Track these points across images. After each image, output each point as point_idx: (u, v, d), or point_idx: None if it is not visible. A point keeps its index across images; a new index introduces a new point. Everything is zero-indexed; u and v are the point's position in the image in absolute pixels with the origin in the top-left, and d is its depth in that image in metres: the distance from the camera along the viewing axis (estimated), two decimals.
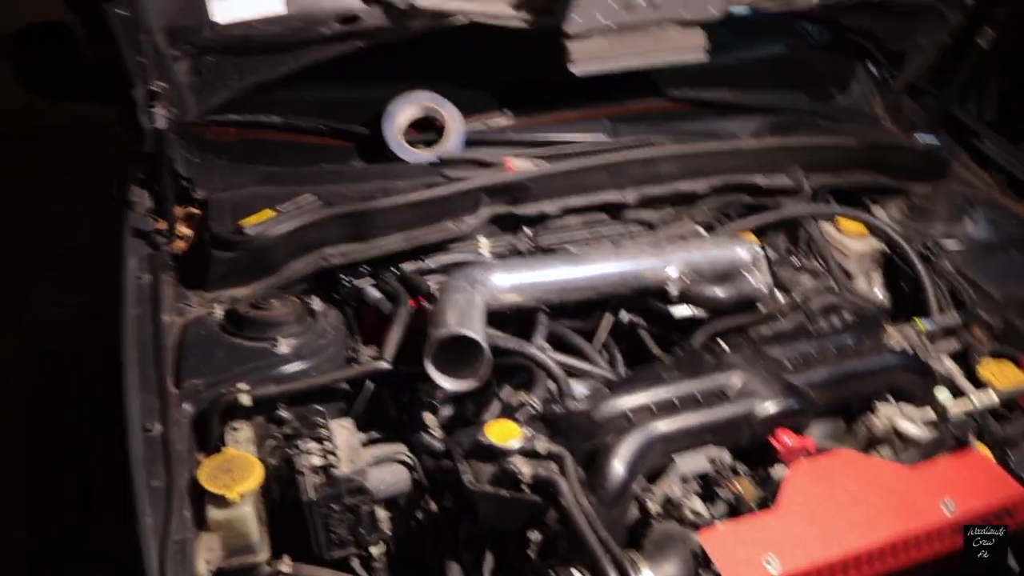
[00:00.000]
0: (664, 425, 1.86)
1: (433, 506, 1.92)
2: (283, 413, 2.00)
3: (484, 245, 2.44)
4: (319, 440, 1.90)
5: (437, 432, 2.02)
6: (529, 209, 2.45)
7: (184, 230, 2.35)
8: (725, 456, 1.89)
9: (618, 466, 1.78)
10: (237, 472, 1.79)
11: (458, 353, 1.90)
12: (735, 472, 1.87)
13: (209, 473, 1.78)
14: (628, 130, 2.68)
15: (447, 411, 2.10)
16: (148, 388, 1.94)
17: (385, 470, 1.96)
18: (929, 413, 2.06)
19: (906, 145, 2.85)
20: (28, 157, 5.78)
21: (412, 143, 2.56)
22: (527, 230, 2.47)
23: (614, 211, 2.55)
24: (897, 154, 2.83)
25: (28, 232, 5.13)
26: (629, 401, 1.90)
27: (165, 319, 2.11)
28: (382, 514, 1.92)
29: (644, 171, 2.52)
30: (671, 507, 1.80)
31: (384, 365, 2.05)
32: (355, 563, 1.92)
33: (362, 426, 2.06)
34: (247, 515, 1.76)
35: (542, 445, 1.78)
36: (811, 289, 2.43)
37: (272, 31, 2.23)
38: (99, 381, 2.18)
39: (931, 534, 1.73)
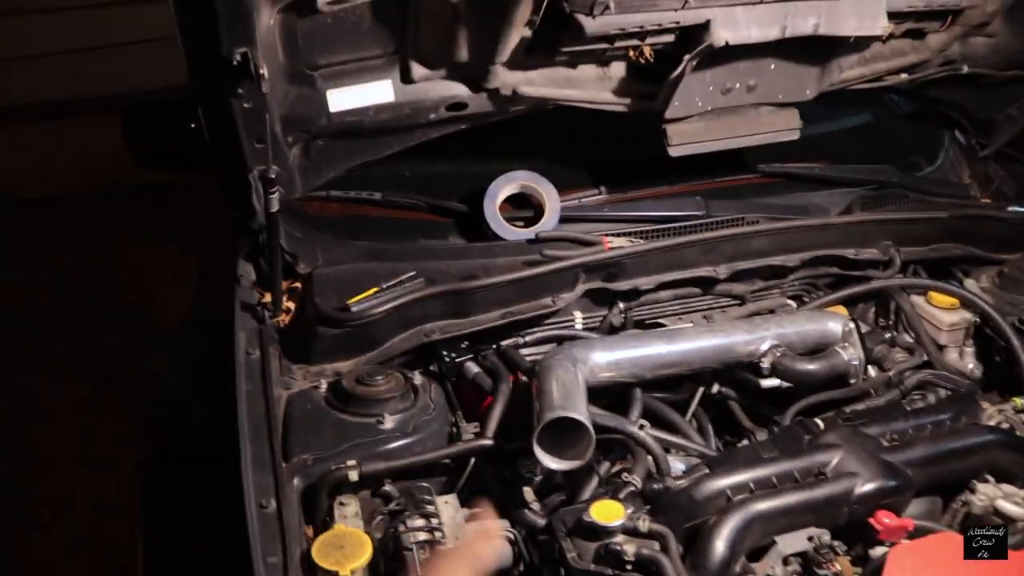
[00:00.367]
0: (764, 504, 1.88)
1: None
2: (389, 488, 2.05)
3: (578, 320, 2.50)
4: (425, 516, 1.95)
5: (537, 507, 2.06)
6: (623, 285, 2.50)
7: (287, 304, 2.43)
8: (825, 536, 1.89)
9: (720, 545, 1.81)
10: (348, 548, 1.83)
11: (563, 432, 1.94)
12: (835, 552, 1.87)
13: (321, 550, 1.83)
14: (720, 205, 2.72)
15: (545, 485, 2.15)
16: (262, 464, 2.00)
17: None
18: None
19: (997, 216, 2.85)
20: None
21: (508, 220, 2.63)
22: (621, 304, 2.52)
23: (705, 285, 2.59)
24: (988, 225, 2.82)
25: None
26: (729, 480, 1.92)
27: (275, 394, 2.18)
28: None
29: (736, 247, 2.56)
30: None
31: (488, 442, 2.11)
32: None
33: (464, 501, 2.10)
34: None
35: (645, 524, 1.81)
36: (904, 364, 2.44)
37: (383, 118, 2.31)
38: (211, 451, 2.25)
39: None
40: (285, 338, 2.37)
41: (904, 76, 2.71)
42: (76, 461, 4.26)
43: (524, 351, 2.39)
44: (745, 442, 2.30)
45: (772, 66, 2.44)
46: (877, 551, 1.87)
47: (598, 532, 1.81)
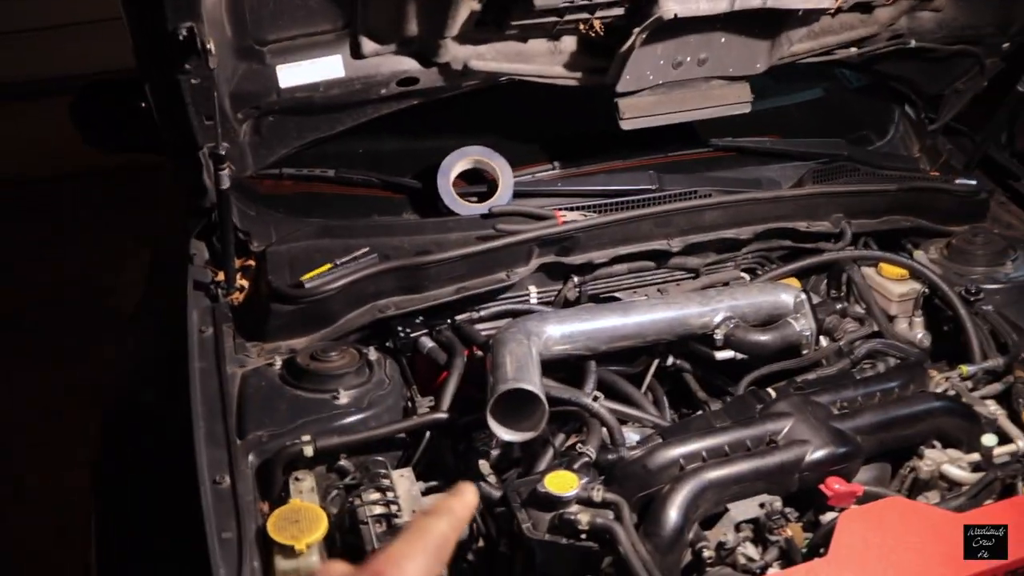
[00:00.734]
0: (716, 473, 1.90)
1: (490, 553, 1.97)
2: (345, 463, 2.05)
3: (533, 294, 2.51)
4: (381, 490, 1.95)
5: (493, 480, 2.07)
6: (577, 259, 2.51)
7: (241, 281, 2.42)
8: (776, 503, 1.91)
9: (673, 513, 1.83)
10: (304, 523, 1.83)
11: (516, 405, 1.95)
12: (786, 518, 1.89)
13: (277, 524, 1.83)
14: (673, 179, 2.73)
15: (502, 459, 2.16)
16: (215, 441, 2.00)
17: None
18: (975, 458, 2.09)
19: (945, 188, 2.88)
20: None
21: (462, 195, 2.63)
22: (575, 278, 2.54)
23: (659, 258, 2.61)
24: (936, 198, 2.85)
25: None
26: (681, 449, 1.94)
27: (229, 372, 2.17)
28: None
29: (690, 220, 2.58)
30: (724, 553, 1.85)
31: (443, 416, 2.11)
32: None
33: (420, 475, 2.11)
34: (315, 565, 1.81)
35: (599, 494, 1.83)
36: (855, 333, 2.47)
37: (333, 94, 2.30)
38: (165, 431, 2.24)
39: None
40: (239, 316, 2.37)
41: (853, 50, 2.73)
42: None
43: (479, 326, 2.40)
44: (699, 413, 2.32)
45: (722, 39, 2.45)
46: (827, 516, 1.90)
47: (553, 502, 1.82)
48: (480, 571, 1.97)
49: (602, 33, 2.34)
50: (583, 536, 1.79)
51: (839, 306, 2.54)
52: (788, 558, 1.83)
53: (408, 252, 2.41)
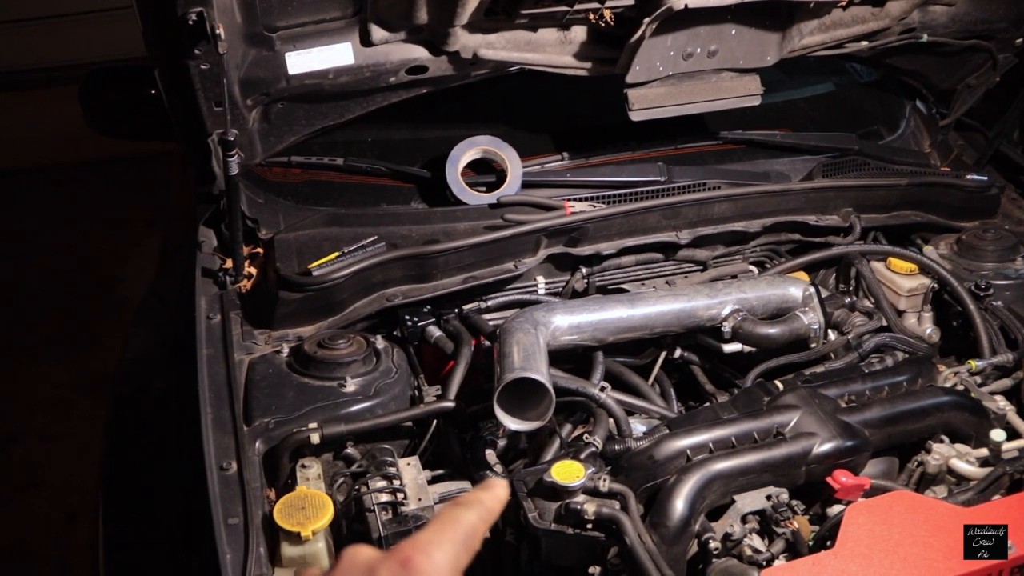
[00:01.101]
0: (723, 464, 1.90)
1: (496, 542, 1.97)
2: (351, 451, 2.06)
3: (541, 284, 2.50)
4: (387, 478, 1.95)
5: (500, 469, 2.07)
6: (585, 249, 2.51)
7: (249, 269, 2.42)
8: (783, 495, 1.92)
9: (680, 504, 1.83)
10: (310, 510, 1.84)
11: (523, 394, 1.95)
12: (792, 510, 1.90)
13: (283, 511, 1.83)
14: (682, 171, 2.72)
15: (508, 448, 2.16)
16: (222, 427, 2.01)
17: None
18: (983, 452, 2.08)
19: (956, 184, 2.87)
20: None
21: (470, 184, 2.63)
22: (583, 269, 2.53)
23: (667, 250, 2.60)
24: (947, 193, 2.84)
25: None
26: (688, 440, 1.94)
27: (236, 358, 2.17)
28: None
29: (698, 213, 2.58)
30: (731, 544, 1.84)
31: (449, 405, 2.11)
32: None
33: (426, 463, 2.11)
34: (320, 551, 1.82)
35: (605, 484, 1.83)
36: (863, 327, 2.46)
37: (342, 81, 2.30)
38: (173, 419, 2.25)
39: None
40: (247, 303, 2.37)
41: (864, 44, 2.72)
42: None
43: (487, 316, 2.40)
44: (707, 405, 2.31)
45: (733, 31, 2.44)
46: (834, 509, 1.90)
47: (559, 492, 1.83)
48: (486, 561, 1.97)
49: (612, 23, 2.33)
50: (589, 526, 1.80)
51: (848, 300, 2.54)
52: (794, 550, 1.83)
53: (416, 241, 2.41)
